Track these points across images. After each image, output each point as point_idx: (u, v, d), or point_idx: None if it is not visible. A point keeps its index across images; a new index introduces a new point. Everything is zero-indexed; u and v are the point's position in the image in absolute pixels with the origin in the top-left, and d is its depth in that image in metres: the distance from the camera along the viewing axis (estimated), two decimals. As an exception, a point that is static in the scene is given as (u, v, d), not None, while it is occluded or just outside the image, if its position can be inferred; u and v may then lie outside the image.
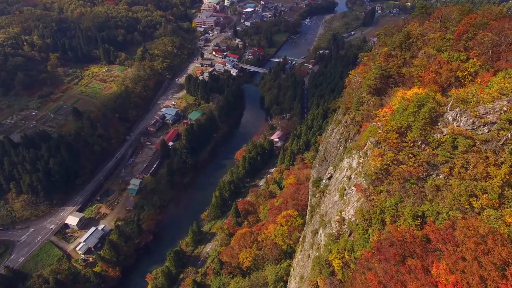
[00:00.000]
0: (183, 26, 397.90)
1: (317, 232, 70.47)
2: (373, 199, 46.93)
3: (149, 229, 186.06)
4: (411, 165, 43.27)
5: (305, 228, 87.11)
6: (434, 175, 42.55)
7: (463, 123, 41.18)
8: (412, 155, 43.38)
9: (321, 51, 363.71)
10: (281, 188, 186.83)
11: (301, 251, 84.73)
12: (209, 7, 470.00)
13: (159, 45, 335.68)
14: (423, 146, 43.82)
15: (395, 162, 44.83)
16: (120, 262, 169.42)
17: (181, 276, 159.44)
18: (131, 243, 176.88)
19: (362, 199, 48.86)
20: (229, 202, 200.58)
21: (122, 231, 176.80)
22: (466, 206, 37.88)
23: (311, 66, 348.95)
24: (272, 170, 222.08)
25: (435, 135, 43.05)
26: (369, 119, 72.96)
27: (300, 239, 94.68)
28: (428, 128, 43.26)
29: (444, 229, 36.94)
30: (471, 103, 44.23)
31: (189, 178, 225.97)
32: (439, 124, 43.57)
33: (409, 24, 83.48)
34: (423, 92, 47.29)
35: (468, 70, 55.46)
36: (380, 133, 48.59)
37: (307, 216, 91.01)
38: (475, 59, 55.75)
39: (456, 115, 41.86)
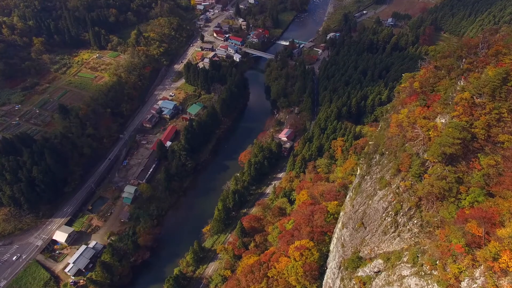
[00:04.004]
0: (181, 3, 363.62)
1: None
2: None
3: (146, 244, 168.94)
4: None
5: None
6: None
7: None
8: None
9: (331, 34, 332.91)
10: (291, 202, 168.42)
11: None
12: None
13: (155, 27, 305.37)
14: None
15: None
16: (114, 283, 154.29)
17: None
18: (126, 261, 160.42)
19: None
20: (233, 213, 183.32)
21: (116, 249, 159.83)
22: None
23: (321, 51, 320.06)
24: (280, 175, 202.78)
25: None
26: (435, 199, 52.18)
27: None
28: None
29: None
30: None
31: (188, 182, 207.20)
32: None
33: (494, 47, 60.14)
34: None
35: None
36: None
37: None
38: None
39: None
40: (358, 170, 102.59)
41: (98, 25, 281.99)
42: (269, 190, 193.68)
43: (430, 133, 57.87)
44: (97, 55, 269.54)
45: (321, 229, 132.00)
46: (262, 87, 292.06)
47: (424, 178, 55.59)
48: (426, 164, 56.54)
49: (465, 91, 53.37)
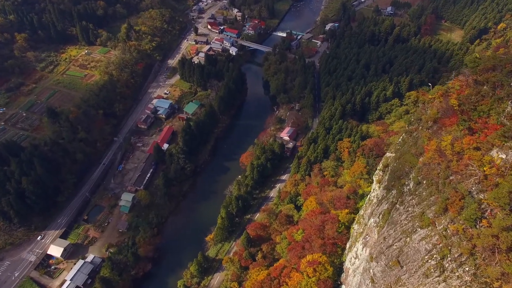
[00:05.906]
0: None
1: None
2: None
3: (147, 255, 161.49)
4: None
5: None
6: None
7: None
8: None
9: (330, 25, 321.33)
10: (298, 208, 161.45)
11: None
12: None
13: (146, 20, 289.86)
14: None
15: None
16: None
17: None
18: (127, 275, 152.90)
19: None
20: (237, 219, 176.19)
21: (115, 262, 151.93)
22: None
23: (320, 42, 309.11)
24: (284, 177, 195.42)
25: None
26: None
27: None
28: None
29: None
30: None
31: (188, 185, 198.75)
32: None
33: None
34: None
35: None
36: None
37: None
38: None
39: None
40: (377, 187, 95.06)
41: (86, 19, 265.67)
42: (273, 193, 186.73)
43: (485, 169, 50.15)
44: (86, 51, 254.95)
45: (333, 241, 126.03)
46: (260, 81, 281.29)
47: (481, 223, 48.07)
48: (482, 206, 48.93)
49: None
